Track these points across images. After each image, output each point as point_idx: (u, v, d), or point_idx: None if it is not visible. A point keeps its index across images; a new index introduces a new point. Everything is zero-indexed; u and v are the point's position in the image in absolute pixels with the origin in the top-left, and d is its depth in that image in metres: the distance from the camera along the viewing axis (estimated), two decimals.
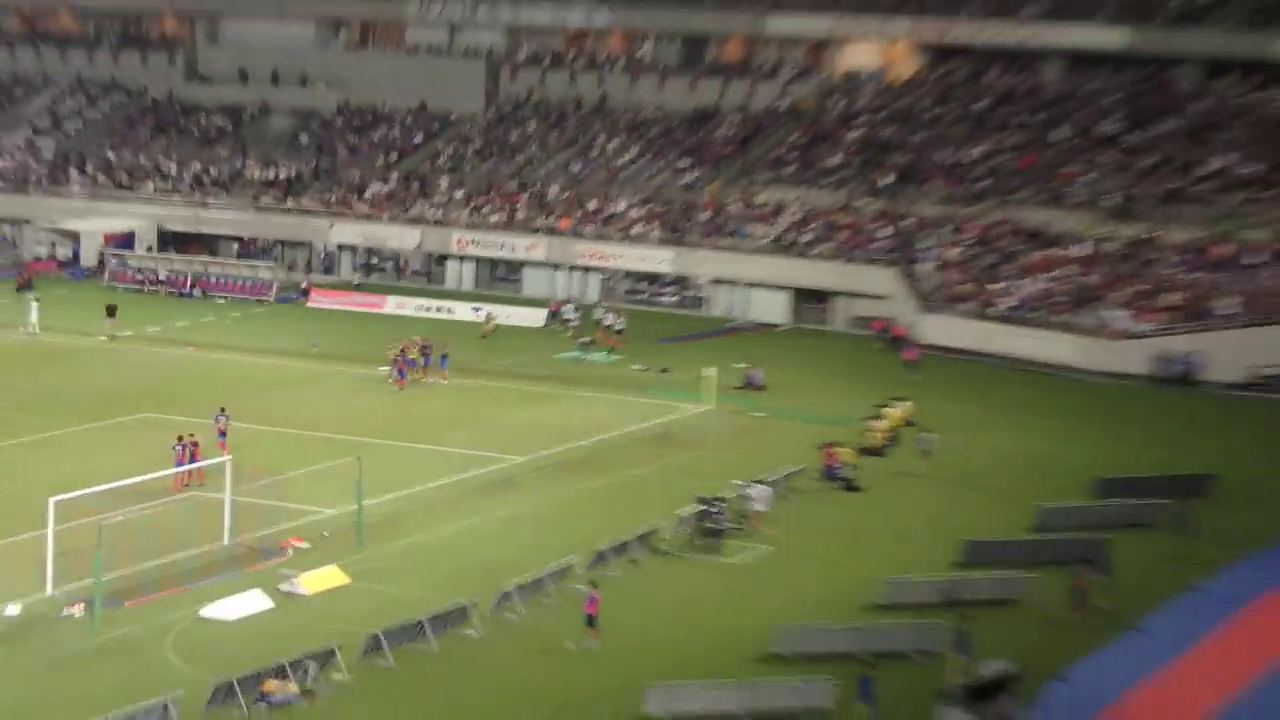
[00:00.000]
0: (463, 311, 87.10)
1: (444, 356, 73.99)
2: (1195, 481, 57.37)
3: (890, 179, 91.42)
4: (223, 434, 58.73)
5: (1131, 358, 76.44)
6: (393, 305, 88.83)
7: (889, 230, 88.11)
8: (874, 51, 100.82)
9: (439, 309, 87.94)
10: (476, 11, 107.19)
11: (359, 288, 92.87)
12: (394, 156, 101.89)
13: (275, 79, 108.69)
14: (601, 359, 78.77)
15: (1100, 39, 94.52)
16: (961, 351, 79.32)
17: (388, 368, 72.97)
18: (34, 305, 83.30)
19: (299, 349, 79.22)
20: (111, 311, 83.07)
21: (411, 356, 73.13)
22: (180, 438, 56.16)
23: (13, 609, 43.75)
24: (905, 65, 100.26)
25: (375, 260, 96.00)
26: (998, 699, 39.09)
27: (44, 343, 78.65)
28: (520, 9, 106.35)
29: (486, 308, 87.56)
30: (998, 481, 59.61)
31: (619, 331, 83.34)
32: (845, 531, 54.04)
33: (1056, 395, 73.28)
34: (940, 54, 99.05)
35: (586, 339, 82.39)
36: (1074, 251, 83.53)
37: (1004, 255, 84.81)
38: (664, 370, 75.30)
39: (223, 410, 60.26)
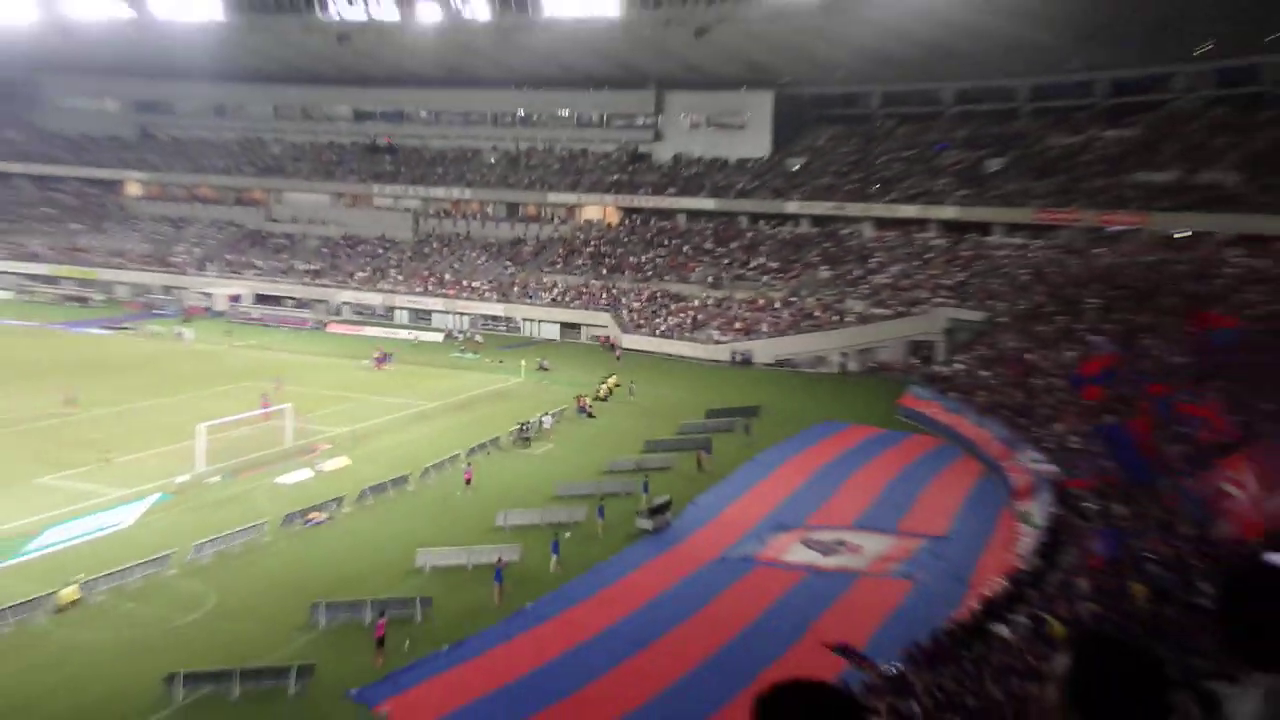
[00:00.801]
0: (403, 335, 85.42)
1: (390, 355, 72.66)
2: (751, 409, 58.09)
3: (605, 271, 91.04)
4: (278, 388, 57.86)
5: (721, 353, 76.76)
6: (369, 331, 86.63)
7: (605, 296, 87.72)
8: (598, 210, 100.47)
9: (391, 333, 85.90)
10: (408, 190, 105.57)
11: (355, 323, 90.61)
12: (368, 259, 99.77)
13: (309, 220, 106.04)
14: (472, 357, 77.36)
15: (702, 204, 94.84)
16: (642, 351, 79.04)
17: (368, 361, 71.62)
18: (188, 330, 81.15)
19: (322, 350, 77.10)
20: (228, 333, 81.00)
21: (379, 355, 72.02)
22: (264, 393, 55.26)
23: (182, 478, 42.54)
24: (613, 216, 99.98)
25: (360, 310, 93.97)
26: (663, 513, 38.83)
27: (194, 349, 76.08)
28: (430, 189, 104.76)
29: (415, 332, 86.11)
30: (661, 411, 59.73)
31: (480, 342, 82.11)
32: (589, 438, 54.15)
33: (686, 371, 73.64)
34: (629, 211, 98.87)
35: (464, 347, 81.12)
36: (693, 304, 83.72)
37: (660, 305, 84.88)
38: (501, 361, 74.21)
39: (278, 377, 60.27)
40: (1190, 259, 62.50)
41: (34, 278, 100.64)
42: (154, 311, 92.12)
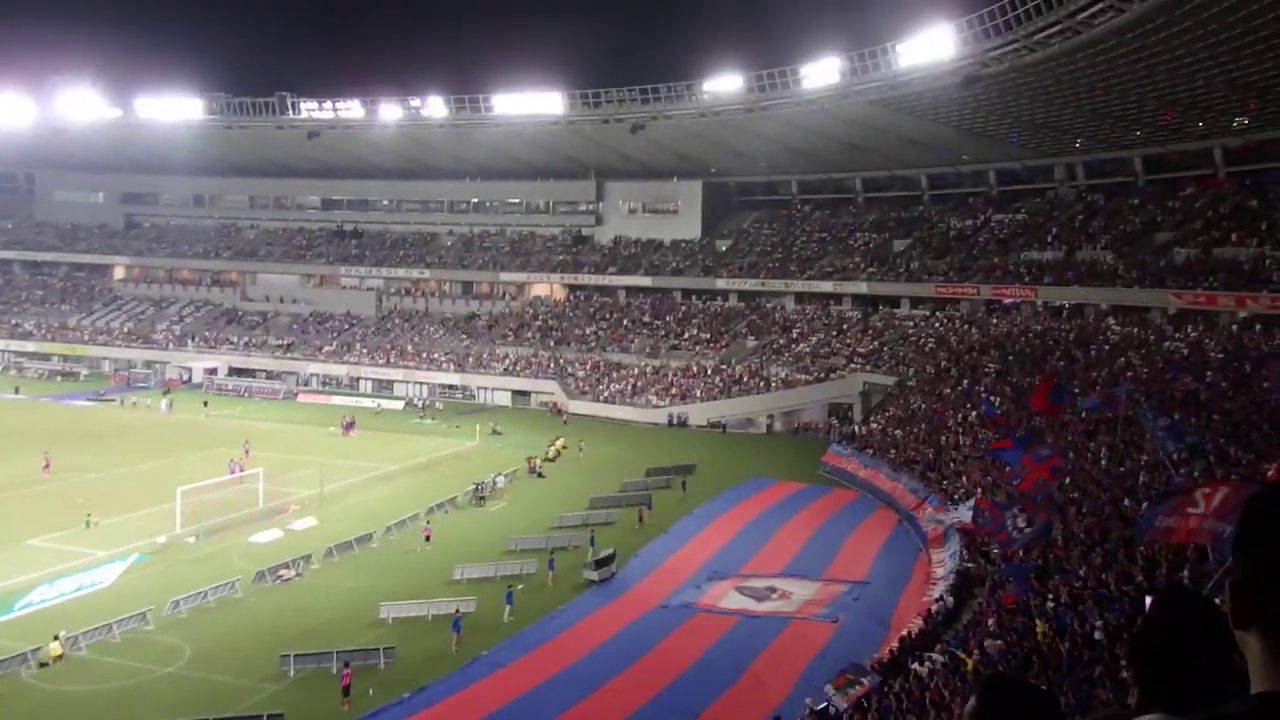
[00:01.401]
0: (367, 403, 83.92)
1: (353, 422, 71.43)
2: (687, 468, 57.40)
3: (552, 342, 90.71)
4: (246, 453, 56.92)
5: (659, 416, 76.44)
6: (335, 400, 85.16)
7: (552, 365, 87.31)
8: (545, 287, 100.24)
9: (357, 402, 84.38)
10: (372, 271, 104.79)
11: (323, 393, 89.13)
12: (335, 334, 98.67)
13: (281, 299, 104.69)
14: (431, 423, 76.19)
15: (640, 281, 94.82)
16: (587, 416, 78.31)
17: (335, 428, 70.38)
18: (167, 401, 79.29)
19: (293, 418, 75.56)
20: (205, 403, 79.32)
21: (348, 422, 70.89)
22: (233, 459, 54.19)
23: (161, 539, 41.41)
24: (559, 293, 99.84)
25: (327, 381, 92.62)
26: (608, 565, 38.36)
27: (173, 419, 74.36)
28: (392, 270, 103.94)
29: (378, 401, 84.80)
30: (605, 470, 58.72)
31: (440, 409, 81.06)
32: (539, 496, 53.34)
33: (628, 434, 72.76)
34: (574, 289, 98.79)
35: (424, 413, 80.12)
36: (633, 372, 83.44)
37: (603, 373, 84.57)
38: (457, 426, 73.12)
39: (246, 442, 58.86)
40: (1074, 327, 63.61)
41: (25, 354, 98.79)
42: (136, 384, 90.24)
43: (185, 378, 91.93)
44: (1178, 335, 56.12)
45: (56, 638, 30.50)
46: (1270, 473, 29.41)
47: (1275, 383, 37.29)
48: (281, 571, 37.81)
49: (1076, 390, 48.70)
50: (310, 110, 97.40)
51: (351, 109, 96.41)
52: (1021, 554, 32.22)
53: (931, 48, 64.81)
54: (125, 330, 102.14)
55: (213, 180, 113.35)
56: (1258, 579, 1.82)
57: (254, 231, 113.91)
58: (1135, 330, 59.05)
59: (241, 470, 52.50)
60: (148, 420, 73.38)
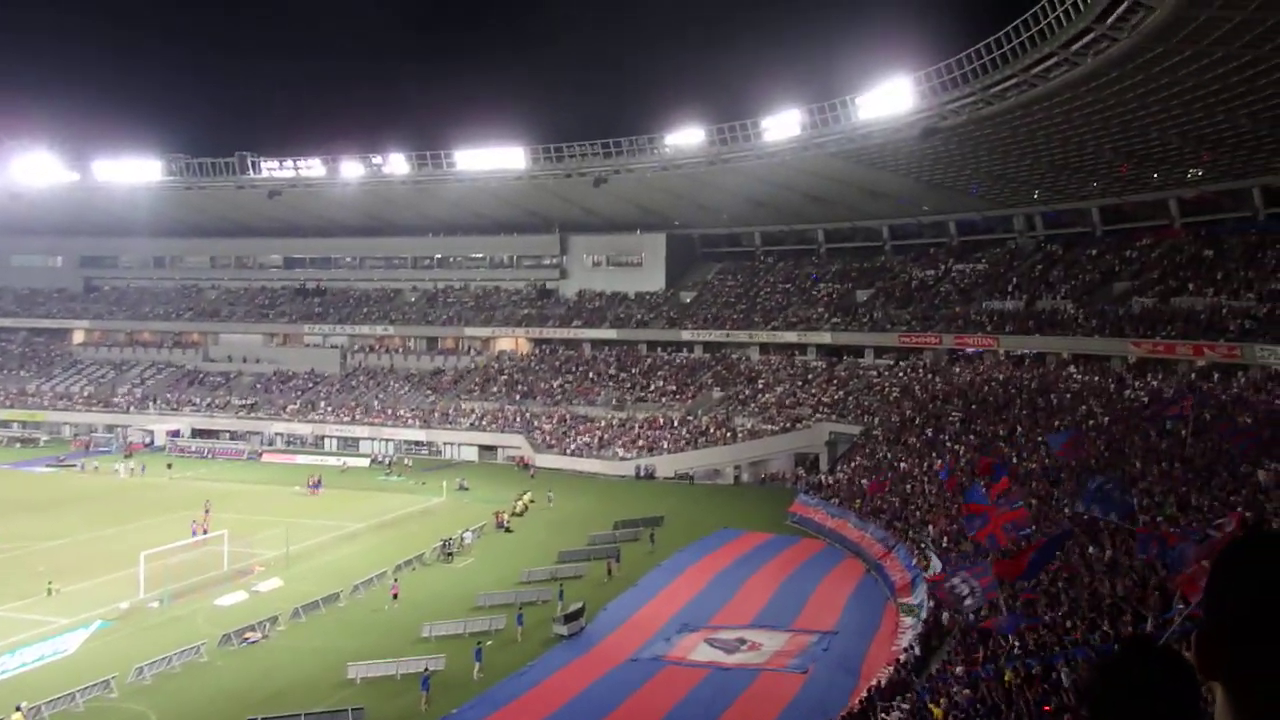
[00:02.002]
0: (333, 461, 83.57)
1: (319, 481, 71.10)
2: (655, 519, 57.51)
3: (518, 396, 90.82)
4: (207, 513, 56.83)
5: (626, 469, 76.58)
6: (300, 459, 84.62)
7: (519, 419, 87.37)
8: (510, 341, 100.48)
9: (322, 461, 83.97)
10: (335, 328, 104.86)
11: (288, 452, 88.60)
12: (299, 393, 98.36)
13: (244, 359, 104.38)
14: (398, 479, 76.08)
15: (605, 334, 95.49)
16: (554, 469, 78.23)
17: (301, 487, 69.99)
18: (128, 464, 78.82)
19: (258, 478, 75.03)
20: (170, 465, 78.85)
21: (314, 481, 70.53)
22: (194, 520, 53.95)
23: (124, 604, 41.10)
24: (524, 347, 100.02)
25: (292, 440, 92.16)
26: (578, 619, 38.42)
27: (136, 481, 73.79)
28: (356, 327, 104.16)
29: (344, 459, 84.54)
30: (573, 523, 58.69)
31: (409, 465, 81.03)
32: (507, 551, 53.28)
33: (595, 487, 72.69)
34: (539, 342, 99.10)
35: (391, 470, 79.98)
36: (599, 424, 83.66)
37: (570, 426, 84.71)
38: (424, 483, 72.98)
39: (208, 502, 59.00)
40: (1035, 376, 64.58)
41: None
42: (97, 449, 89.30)
43: (148, 440, 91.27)
44: (1138, 384, 57.13)
45: (18, 709, 30.17)
46: (1230, 524, 30.07)
47: (1240, 445, 37.94)
48: (248, 634, 37.62)
49: (1037, 437, 49.48)
50: (271, 169, 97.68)
51: (313, 167, 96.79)
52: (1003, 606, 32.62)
53: (891, 100, 66.16)
54: (85, 394, 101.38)
55: (173, 241, 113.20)
56: (1224, 629, 1.87)
57: (215, 292, 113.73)
58: (1096, 379, 60.05)
59: (205, 531, 52.28)
60: (109, 485, 72.66)
